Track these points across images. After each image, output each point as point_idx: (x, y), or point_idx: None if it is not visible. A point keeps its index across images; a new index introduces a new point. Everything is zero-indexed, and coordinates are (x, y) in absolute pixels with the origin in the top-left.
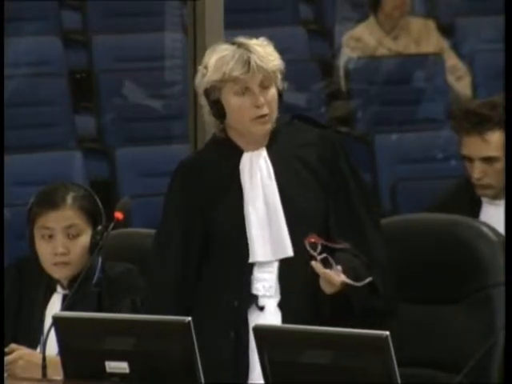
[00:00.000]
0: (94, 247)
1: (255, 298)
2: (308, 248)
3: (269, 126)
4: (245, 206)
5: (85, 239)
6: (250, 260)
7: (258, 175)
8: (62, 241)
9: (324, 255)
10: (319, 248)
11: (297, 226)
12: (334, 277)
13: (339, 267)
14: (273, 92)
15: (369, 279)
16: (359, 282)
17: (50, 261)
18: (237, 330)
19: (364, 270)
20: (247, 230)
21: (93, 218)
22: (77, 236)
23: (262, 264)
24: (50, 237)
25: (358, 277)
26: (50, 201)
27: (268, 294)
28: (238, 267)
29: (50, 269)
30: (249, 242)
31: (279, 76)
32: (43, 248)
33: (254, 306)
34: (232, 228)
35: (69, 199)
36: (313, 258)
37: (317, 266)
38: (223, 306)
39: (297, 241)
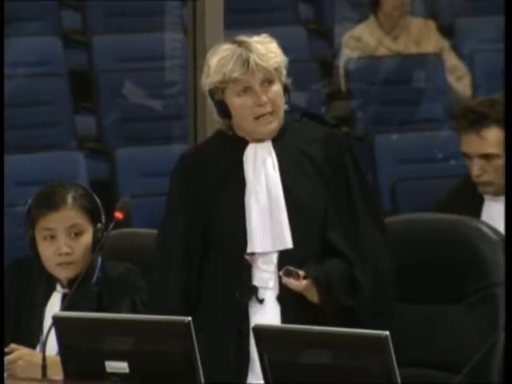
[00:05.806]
0: (95, 245)
1: (255, 289)
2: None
3: (274, 125)
4: (246, 197)
5: (87, 238)
6: (249, 250)
7: (261, 166)
8: (65, 241)
9: (285, 268)
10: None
11: (297, 218)
12: (295, 284)
13: (301, 272)
14: (276, 89)
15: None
16: (332, 285)
17: (54, 261)
18: (238, 322)
19: (340, 268)
20: (247, 221)
21: (93, 216)
22: (79, 235)
23: (263, 255)
24: (53, 237)
25: (329, 279)
26: (49, 202)
27: (268, 285)
28: (238, 258)
29: (54, 269)
30: (248, 232)
31: (283, 72)
32: (46, 249)
33: (254, 298)
34: (233, 218)
35: (69, 199)
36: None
37: (283, 279)
38: (225, 297)
39: (297, 233)
